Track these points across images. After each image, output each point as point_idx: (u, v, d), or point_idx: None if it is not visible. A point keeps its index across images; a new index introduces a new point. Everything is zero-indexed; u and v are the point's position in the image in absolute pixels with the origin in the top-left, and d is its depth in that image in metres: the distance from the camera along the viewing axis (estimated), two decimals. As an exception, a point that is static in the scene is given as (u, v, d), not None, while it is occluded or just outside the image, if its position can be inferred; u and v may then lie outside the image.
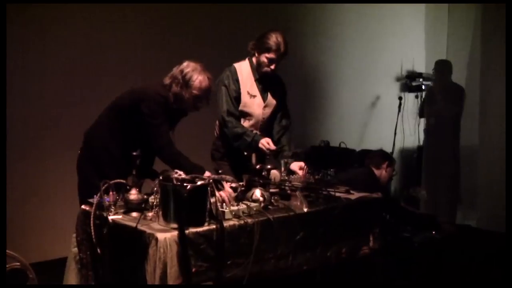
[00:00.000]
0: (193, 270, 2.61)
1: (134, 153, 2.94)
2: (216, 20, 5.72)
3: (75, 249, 3.03)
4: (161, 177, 2.75)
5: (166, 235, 2.55)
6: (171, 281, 2.54)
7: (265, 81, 3.94)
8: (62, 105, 4.72)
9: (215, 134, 4.06)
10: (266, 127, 4.03)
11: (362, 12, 7.17)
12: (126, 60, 5.12)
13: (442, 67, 6.68)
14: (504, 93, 5.53)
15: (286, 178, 3.66)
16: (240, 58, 3.98)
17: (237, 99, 3.87)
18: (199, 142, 4.45)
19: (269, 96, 3.98)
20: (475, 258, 5.08)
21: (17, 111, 4.37)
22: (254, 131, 3.88)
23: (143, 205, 2.87)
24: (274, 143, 3.82)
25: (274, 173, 3.49)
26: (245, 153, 3.86)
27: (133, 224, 2.67)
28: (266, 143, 3.72)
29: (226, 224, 2.75)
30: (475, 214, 6.66)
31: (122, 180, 2.94)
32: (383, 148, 5.43)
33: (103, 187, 2.85)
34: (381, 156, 4.88)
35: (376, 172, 4.74)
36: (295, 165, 3.81)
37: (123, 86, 4.84)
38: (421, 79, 7.66)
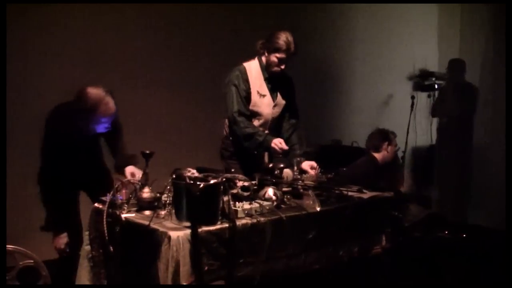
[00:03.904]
0: (205, 268, 2.61)
1: (147, 151, 2.95)
2: (225, 18, 5.71)
3: (88, 247, 3.04)
4: (173, 175, 2.76)
5: (178, 234, 2.55)
6: (183, 279, 2.54)
7: (274, 81, 3.93)
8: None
9: (224, 133, 4.06)
10: (275, 126, 4.03)
11: (375, 11, 7.14)
12: (127, 60, 5.10)
13: (456, 66, 6.64)
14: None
15: (299, 177, 3.65)
16: (249, 57, 3.97)
17: (247, 98, 3.86)
18: (208, 141, 4.44)
19: (279, 96, 3.97)
20: (486, 258, 5.04)
21: (17, 111, 4.36)
22: (266, 131, 3.87)
23: (155, 203, 2.88)
24: (285, 142, 3.81)
25: (287, 172, 3.48)
26: (255, 152, 3.85)
27: (146, 222, 2.68)
28: (278, 143, 3.71)
29: (238, 222, 2.74)
30: (487, 214, 6.61)
31: (135, 180, 2.96)
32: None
33: (116, 186, 2.86)
34: (378, 138, 4.74)
35: (377, 156, 4.65)
36: (306, 165, 3.79)
37: (124, 86, 4.86)
38: (433, 78, 7.61)
